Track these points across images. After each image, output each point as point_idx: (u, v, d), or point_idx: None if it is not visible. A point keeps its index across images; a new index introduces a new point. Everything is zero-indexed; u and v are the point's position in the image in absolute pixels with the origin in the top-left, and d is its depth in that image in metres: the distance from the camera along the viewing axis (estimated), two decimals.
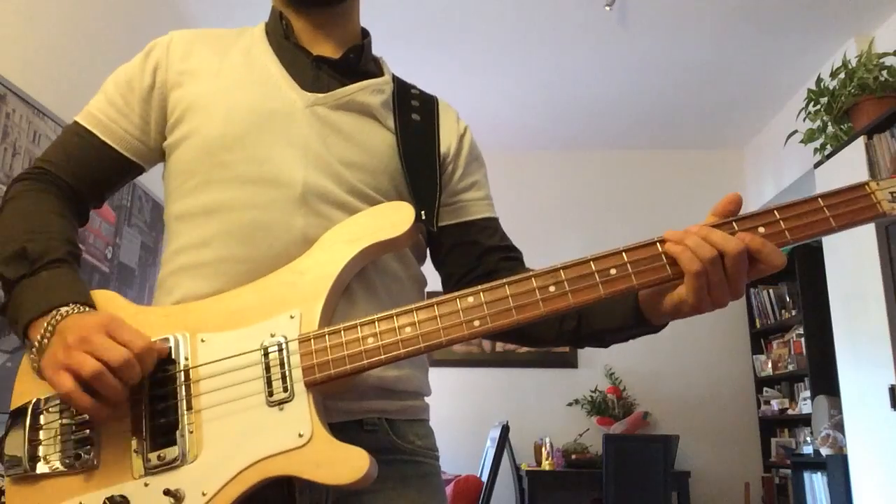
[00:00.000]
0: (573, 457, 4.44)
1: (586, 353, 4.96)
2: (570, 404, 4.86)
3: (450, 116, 1.07)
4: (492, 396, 4.86)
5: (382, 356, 0.77)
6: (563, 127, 5.00)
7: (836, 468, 3.42)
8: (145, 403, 0.78)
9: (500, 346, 5.01)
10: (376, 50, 1.09)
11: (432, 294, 0.83)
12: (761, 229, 0.77)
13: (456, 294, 0.79)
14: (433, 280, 1.05)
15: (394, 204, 0.88)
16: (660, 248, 0.77)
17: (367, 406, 0.86)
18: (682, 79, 4.32)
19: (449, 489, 3.99)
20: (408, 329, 0.78)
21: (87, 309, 0.81)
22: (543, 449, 4.49)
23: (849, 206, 0.77)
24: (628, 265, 0.77)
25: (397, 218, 0.85)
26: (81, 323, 0.77)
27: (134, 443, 0.77)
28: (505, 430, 3.95)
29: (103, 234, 2.91)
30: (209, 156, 0.90)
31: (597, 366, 4.93)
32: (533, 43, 3.97)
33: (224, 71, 0.96)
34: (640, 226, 4.82)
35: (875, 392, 3.02)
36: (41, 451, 0.78)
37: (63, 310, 0.79)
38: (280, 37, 1.00)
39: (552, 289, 0.77)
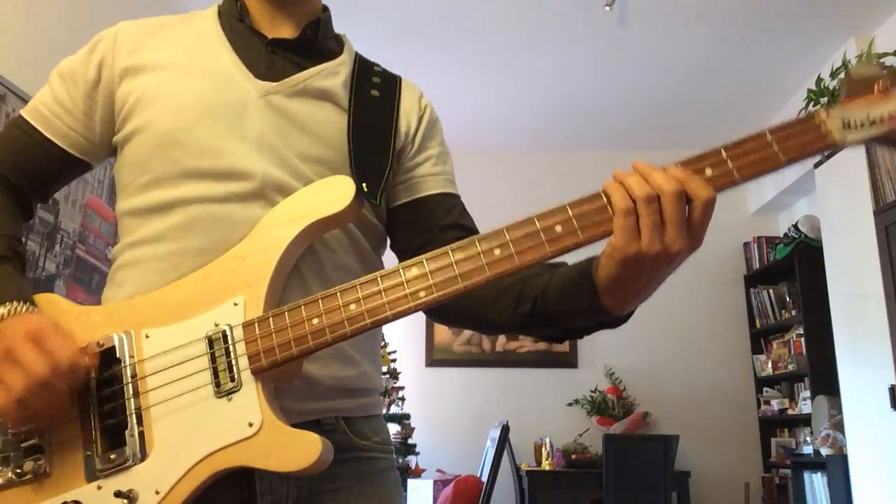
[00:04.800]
0: (573, 457, 4.44)
1: (586, 353, 4.96)
2: (570, 404, 4.86)
3: (412, 94, 1.02)
4: (492, 396, 4.86)
5: (328, 336, 0.75)
6: (563, 127, 5.00)
7: (836, 468, 3.42)
8: (93, 405, 0.77)
9: (500, 346, 5.01)
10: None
11: None
12: (708, 171, 0.73)
13: (399, 265, 0.76)
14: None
15: (333, 179, 0.84)
16: (605, 200, 0.73)
17: (323, 406, 0.84)
18: (681, 79, 4.32)
19: (449, 489, 3.99)
20: (352, 306, 0.75)
21: (26, 309, 0.79)
22: (543, 449, 4.49)
23: (798, 139, 0.72)
24: (573, 220, 0.73)
25: (337, 192, 0.81)
26: (11, 330, 0.75)
27: (84, 446, 0.76)
28: (505, 430, 3.95)
29: (103, 234, 2.91)
30: (161, 151, 0.87)
31: (597, 366, 4.93)
32: (533, 43, 3.97)
33: (174, 61, 0.92)
34: None
35: (875, 392, 3.02)
36: None
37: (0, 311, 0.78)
38: (234, 19, 0.96)
39: (497, 251, 0.73)
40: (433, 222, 0.96)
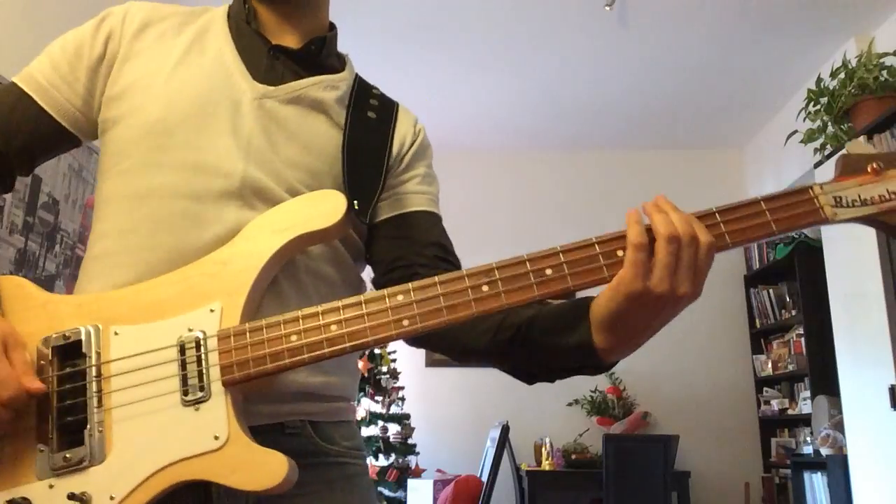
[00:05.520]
0: (573, 457, 4.44)
1: None
2: (570, 404, 4.86)
3: (408, 120, 1.02)
4: (492, 396, 4.86)
5: (306, 355, 0.73)
6: (563, 127, 5.00)
7: (836, 468, 3.42)
8: (52, 400, 0.74)
9: None
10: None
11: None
12: None
13: (385, 292, 0.75)
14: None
15: (325, 192, 0.82)
16: (597, 249, 0.74)
17: (289, 409, 0.82)
18: (682, 79, 4.32)
19: (449, 489, 3.99)
20: (333, 327, 0.73)
21: None
22: (543, 449, 4.49)
23: (790, 211, 0.74)
24: (564, 266, 0.74)
25: (328, 207, 0.80)
26: None
27: (39, 441, 0.73)
28: (505, 430, 3.95)
29: None
30: (147, 138, 0.85)
31: None
32: (533, 43, 3.97)
33: (174, 51, 0.90)
34: None
35: (875, 392, 3.01)
36: None
37: None
38: (241, 21, 0.95)
39: (485, 288, 0.73)
40: (414, 238, 0.95)
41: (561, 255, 0.74)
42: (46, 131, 0.91)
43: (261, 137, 0.86)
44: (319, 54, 0.96)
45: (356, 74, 1.02)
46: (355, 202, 0.86)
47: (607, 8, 3.56)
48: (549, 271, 0.74)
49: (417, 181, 0.98)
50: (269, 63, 0.92)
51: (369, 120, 0.96)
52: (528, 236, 5.03)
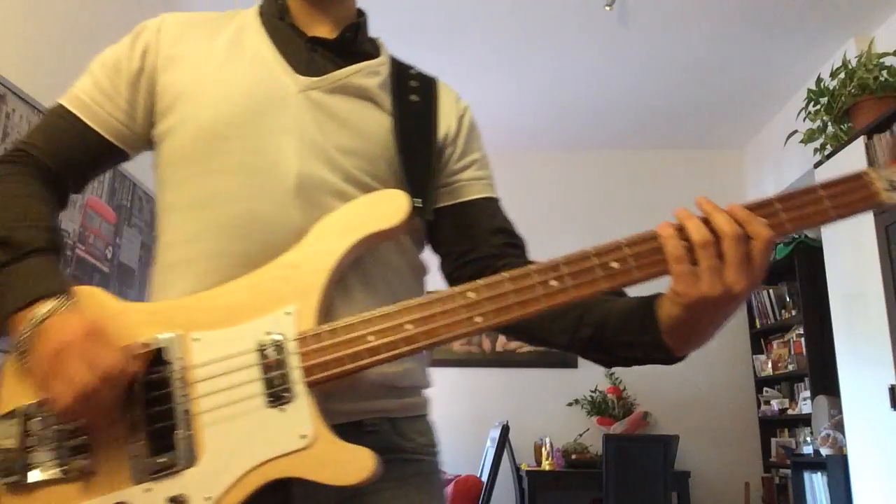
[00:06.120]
0: (573, 457, 4.44)
1: None
2: (570, 404, 4.86)
3: (450, 97, 1.03)
4: (492, 396, 4.86)
5: (384, 354, 0.76)
6: (563, 127, 5.00)
7: (836, 468, 3.42)
8: (141, 407, 0.76)
9: (500, 345, 5.01)
10: None
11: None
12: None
13: (456, 289, 0.77)
14: (433, 265, 1.01)
15: (388, 193, 0.85)
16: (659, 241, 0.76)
17: (367, 406, 0.85)
18: (682, 79, 4.32)
19: (449, 489, 3.98)
20: (409, 326, 0.76)
21: (67, 306, 0.78)
22: (543, 449, 4.49)
23: (848, 196, 0.77)
24: (629, 258, 0.76)
25: (392, 207, 0.83)
26: (64, 325, 0.74)
27: (131, 448, 0.76)
28: (505, 430, 3.95)
29: (103, 234, 2.91)
30: (201, 144, 0.87)
31: (597, 366, 4.92)
32: (533, 43, 3.97)
33: (215, 55, 0.92)
34: (640, 226, 4.72)
35: (875, 392, 3.02)
36: (34, 458, 0.76)
37: (44, 308, 0.76)
38: (274, 17, 0.97)
39: (553, 283, 0.76)
40: (480, 227, 0.97)
41: (625, 248, 0.76)
42: (93, 147, 0.94)
43: (312, 129, 0.88)
44: (355, 41, 0.98)
45: (391, 56, 1.03)
46: (419, 201, 0.88)
47: (607, 8, 3.56)
48: (615, 264, 0.76)
49: (476, 167, 1.00)
50: (308, 55, 0.94)
51: (412, 104, 0.98)
52: (527, 236, 5.00)
